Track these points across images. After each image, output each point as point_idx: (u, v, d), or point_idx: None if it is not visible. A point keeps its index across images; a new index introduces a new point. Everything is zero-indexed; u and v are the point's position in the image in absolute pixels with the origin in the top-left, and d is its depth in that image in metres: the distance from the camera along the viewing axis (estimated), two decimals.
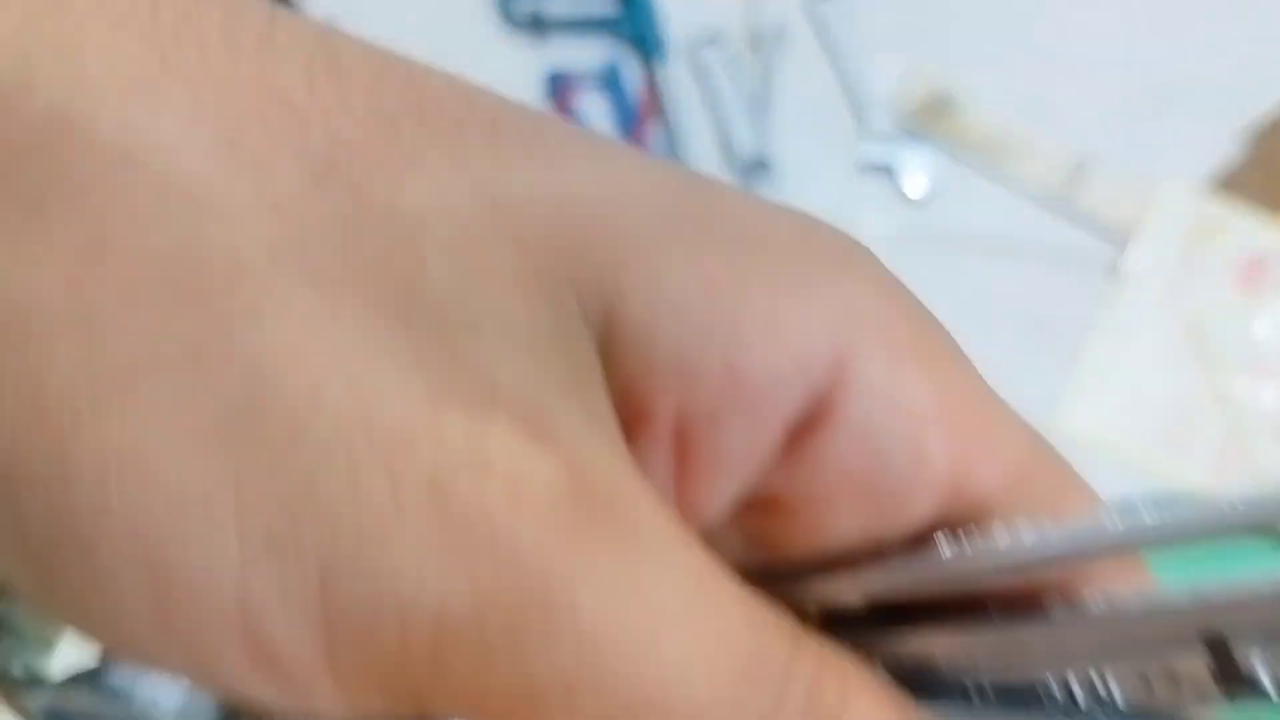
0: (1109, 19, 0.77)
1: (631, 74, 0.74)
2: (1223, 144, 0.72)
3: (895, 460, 0.14)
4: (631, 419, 0.13)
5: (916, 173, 0.71)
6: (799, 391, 0.13)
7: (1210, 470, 0.63)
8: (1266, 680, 0.14)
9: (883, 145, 0.72)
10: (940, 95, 0.74)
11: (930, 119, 0.73)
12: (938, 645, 0.14)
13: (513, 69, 0.74)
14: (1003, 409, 0.15)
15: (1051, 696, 0.14)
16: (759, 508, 0.14)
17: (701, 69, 0.74)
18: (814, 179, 0.71)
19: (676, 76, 0.73)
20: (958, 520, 0.14)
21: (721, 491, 0.14)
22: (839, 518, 0.14)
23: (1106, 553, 0.13)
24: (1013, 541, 0.13)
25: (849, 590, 0.14)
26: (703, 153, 0.71)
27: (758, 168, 0.70)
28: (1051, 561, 0.13)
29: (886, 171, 0.71)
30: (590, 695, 0.11)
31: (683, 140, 0.71)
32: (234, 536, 0.11)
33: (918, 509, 0.14)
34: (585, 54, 0.75)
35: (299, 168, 0.12)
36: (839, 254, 0.14)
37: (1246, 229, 0.69)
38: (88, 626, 0.12)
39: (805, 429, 0.13)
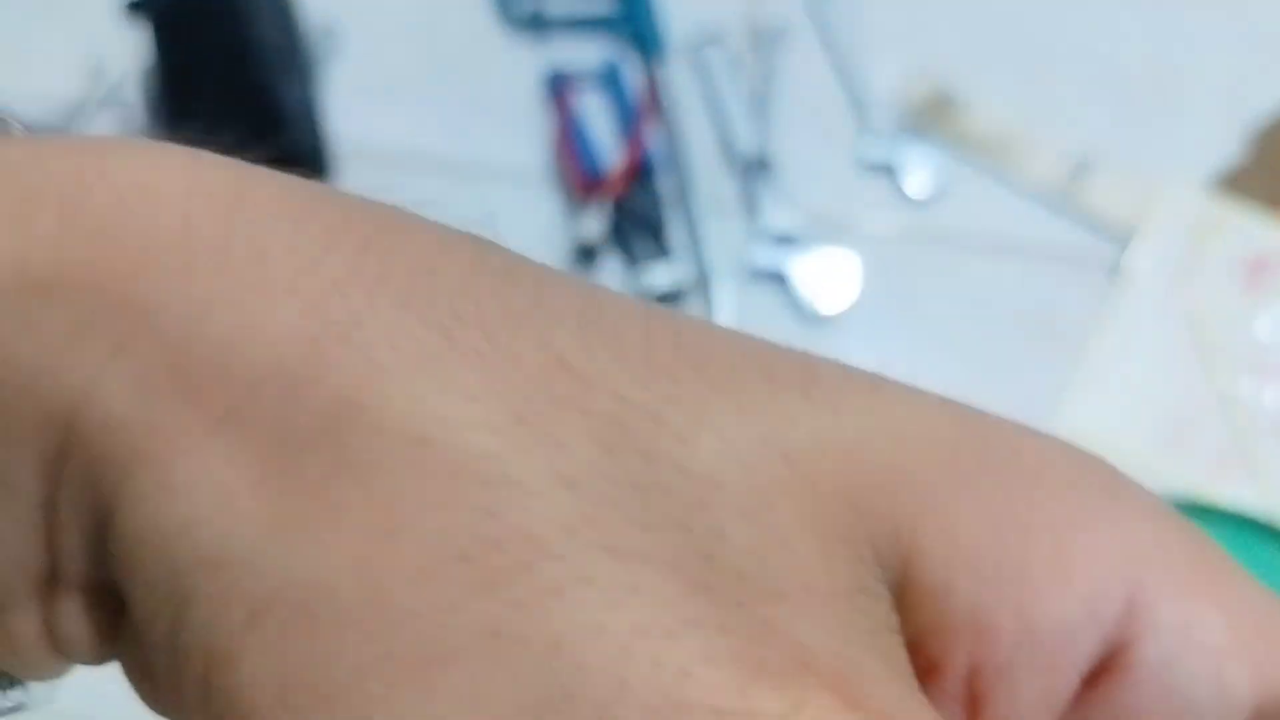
0: (1111, 18, 0.77)
1: (632, 73, 0.74)
2: (1225, 144, 0.72)
3: (1197, 698, 0.13)
4: (922, 671, 0.13)
5: (918, 172, 0.71)
6: (1093, 637, 0.13)
7: (1211, 471, 0.63)
8: None
9: (884, 144, 0.72)
10: (942, 94, 0.74)
11: (932, 118, 0.73)
12: None
13: (512, 68, 0.74)
14: None
15: None
16: None
17: (702, 68, 0.74)
18: (815, 178, 0.71)
19: (677, 76, 0.73)
20: None
21: None
22: None
23: None
24: None
25: None
26: (703, 152, 0.71)
27: (758, 167, 0.70)
28: None
29: (888, 171, 0.71)
30: None
31: (683, 140, 0.71)
32: None
33: None
34: (585, 53, 0.75)
35: (588, 437, 0.12)
36: (1114, 487, 0.14)
37: (1249, 229, 0.69)
38: None
39: (1100, 673, 0.13)
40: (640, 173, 0.69)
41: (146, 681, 0.13)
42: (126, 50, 0.73)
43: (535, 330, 0.13)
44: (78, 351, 0.12)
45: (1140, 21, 0.78)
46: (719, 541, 0.12)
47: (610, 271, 0.68)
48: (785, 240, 0.68)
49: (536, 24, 0.74)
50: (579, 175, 0.68)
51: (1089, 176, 0.71)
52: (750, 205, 0.70)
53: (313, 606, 0.11)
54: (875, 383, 0.14)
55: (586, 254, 0.67)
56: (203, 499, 0.12)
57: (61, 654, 0.14)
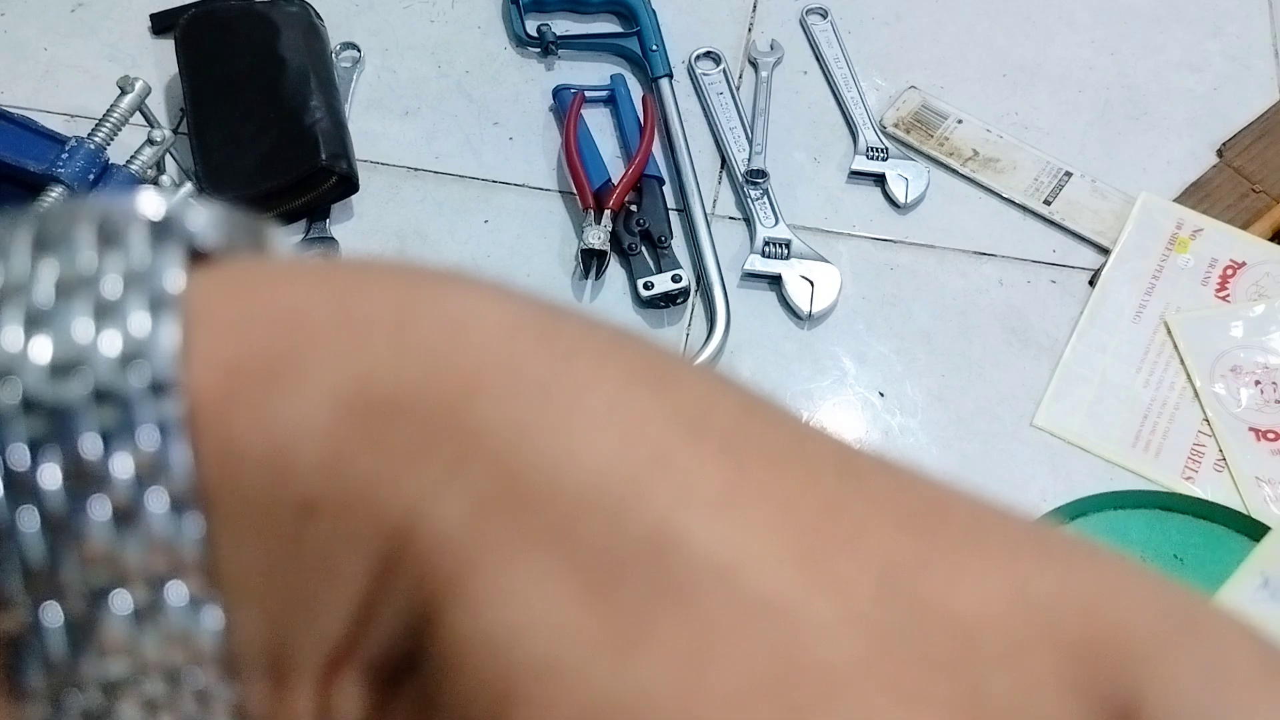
0: (1087, 40, 0.79)
1: (635, 91, 0.76)
2: (1196, 157, 0.74)
3: None
4: None
5: (904, 184, 0.73)
6: None
7: (1185, 469, 0.64)
8: None
9: (873, 158, 0.73)
10: (928, 111, 0.76)
11: (919, 133, 0.75)
12: None
13: (522, 86, 0.76)
14: None
15: None
16: None
17: (701, 85, 0.76)
18: (808, 189, 0.73)
19: (678, 93, 0.75)
20: None
21: None
22: None
23: None
24: None
25: None
26: (703, 165, 0.73)
27: (756, 178, 0.72)
28: None
29: (876, 182, 0.73)
30: None
31: (683, 153, 0.73)
32: None
33: None
34: (590, 71, 0.77)
35: (865, 578, 0.13)
36: None
37: (1220, 238, 0.71)
38: None
39: None
40: (643, 184, 0.71)
41: None
42: (157, 67, 0.75)
43: (804, 475, 0.13)
44: (417, 467, 0.13)
45: (1114, 43, 0.80)
46: (983, 687, 0.12)
47: (615, 277, 0.70)
48: (779, 247, 0.69)
49: (545, 45, 0.76)
50: (585, 187, 0.70)
51: (1067, 189, 0.73)
52: (746, 214, 0.72)
53: (622, 713, 0.12)
54: (1095, 547, 0.14)
55: (592, 260, 0.68)
56: (534, 610, 0.13)
57: None
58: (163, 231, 0.14)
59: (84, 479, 0.13)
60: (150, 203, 0.15)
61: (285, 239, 0.15)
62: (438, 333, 0.14)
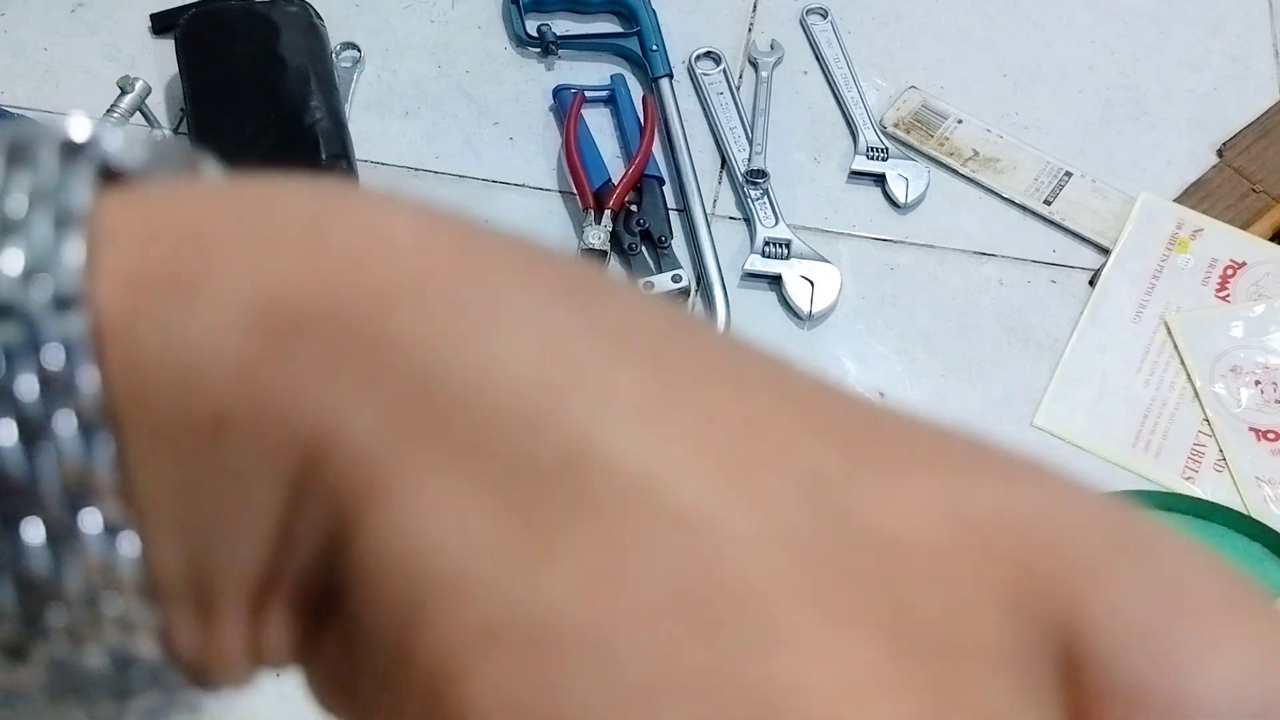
0: (1088, 41, 0.80)
1: (635, 91, 0.76)
2: (1197, 157, 0.74)
3: None
4: None
5: (905, 183, 0.73)
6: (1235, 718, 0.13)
7: (1183, 469, 0.64)
8: None
9: (874, 157, 0.73)
10: (928, 111, 0.76)
11: (919, 133, 0.75)
12: None
13: (523, 86, 0.76)
14: None
15: None
16: None
17: (701, 85, 0.76)
18: (808, 189, 0.73)
19: (678, 93, 0.75)
20: None
21: None
22: None
23: None
24: None
25: None
26: (703, 165, 0.73)
27: (756, 178, 0.72)
28: None
29: (876, 182, 0.73)
30: None
31: (683, 153, 0.73)
32: None
33: None
34: (590, 71, 0.77)
35: (791, 496, 0.12)
36: (1243, 590, 0.14)
37: (1220, 238, 0.71)
38: None
39: None
40: (643, 184, 0.71)
41: (340, 691, 0.14)
42: (157, 67, 0.74)
43: (732, 390, 0.13)
44: (328, 381, 0.13)
45: (1114, 43, 0.80)
46: (910, 604, 0.12)
47: (615, 277, 0.70)
48: (779, 247, 0.69)
49: (545, 45, 0.76)
50: (585, 187, 0.70)
51: (1067, 189, 0.73)
52: (747, 214, 0.72)
53: (545, 637, 0.11)
54: (1038, 467, 0.14)
55: (592, 261, 0.68)
56: (446, 524, 0.12)
57: (259, 661, 0.15)
58: (75, 151, 0.14)
59: None
60: (76, 125, 0.14)
61: (215, 165, 0.15)
62: (349, 245, 0.13)
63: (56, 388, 0.13)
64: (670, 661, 0.11)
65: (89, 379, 0.13)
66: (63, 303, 0.13)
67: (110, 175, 0.14)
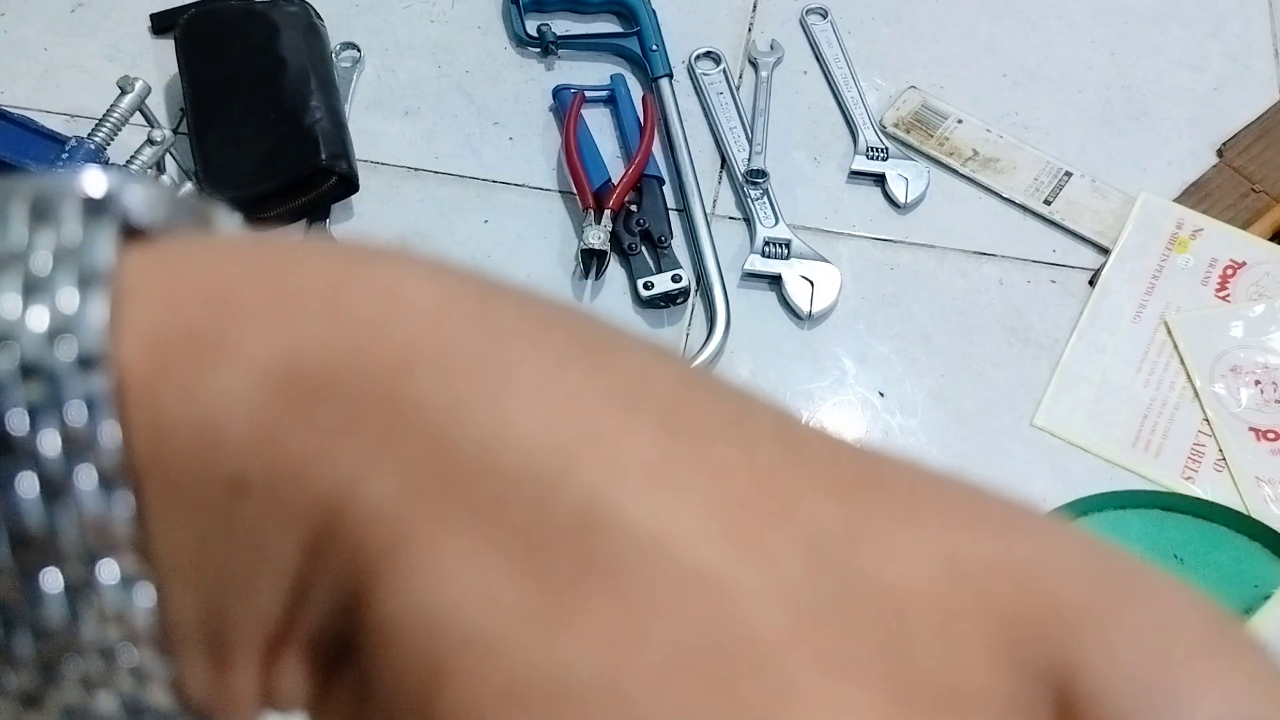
0: (1088, 39, 0.80)
1: (635, 91, 0.76)
2: (1197, 156, 0.75)
3: None
4: None
5: (905, 183, 0.73)
6: None
7: (1183, 469, 0.64)
8: None
9: (874, 157, 0.74)
10: (928, 110, 0.76)
11: (919, 133, 0.75)
12: None
13: (522, 86, 0.76)
14: None
15: None
16: None
17: (701, 85, 0.76)
18: (808, 189, 0.73)
19: (678, 92, 0.75)
20: None
21: None
22: None
23: None
24: None
25: None
26: (703, 165, 0.73)
27: (755, 178, 0.72)
28: None
29: (876, 182, 0.73)
30: None
31: (683, 153, 0.73)
32: None
33: None
34: (590, 71, 0.77)
35: (796, 550, 0.13)
36: (1229, 627, 0.15)
37: (1220, 238, 0.71)
38: None
39: None
40: (643, 184, 0.71)
41: None
42: (157, 67, 0.75)
43: (740, 446, 0.13)
44: (347, 444, 0.13)
45: (1114, 43, 0.80)
46: (913, 655, 0.12)
47: (615, 277, 0.70)
48: (779, 247, 0.70)
49: (545, 45, 0.76)
50: (585, 187, 0.70)
51: (1067, 189, 0.73)
52: (746, 214, 0.72)
53: (565, 696, 0.12)
54: (1033, 515, 0.14)
55: (592, 260, 0.68)
56: (464, 585, 0.13)
57: (270, 705, 0.15)
58: (97, 208, 0.14)
59: (11, 455, 0.13)
60: (91, 180, 0.15)
61: (233, 219, 0.16)
62: (370, 307, 0.14)
63: (78, 444, 0.13)
64: (688, 718, 0.12)
65: (110, 436, 0.13)
66: (87, 362, 0.13)
67: (131, 230, 0.15)
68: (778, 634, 0.12)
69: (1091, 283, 0.70)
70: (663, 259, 0.69)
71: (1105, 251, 0.71)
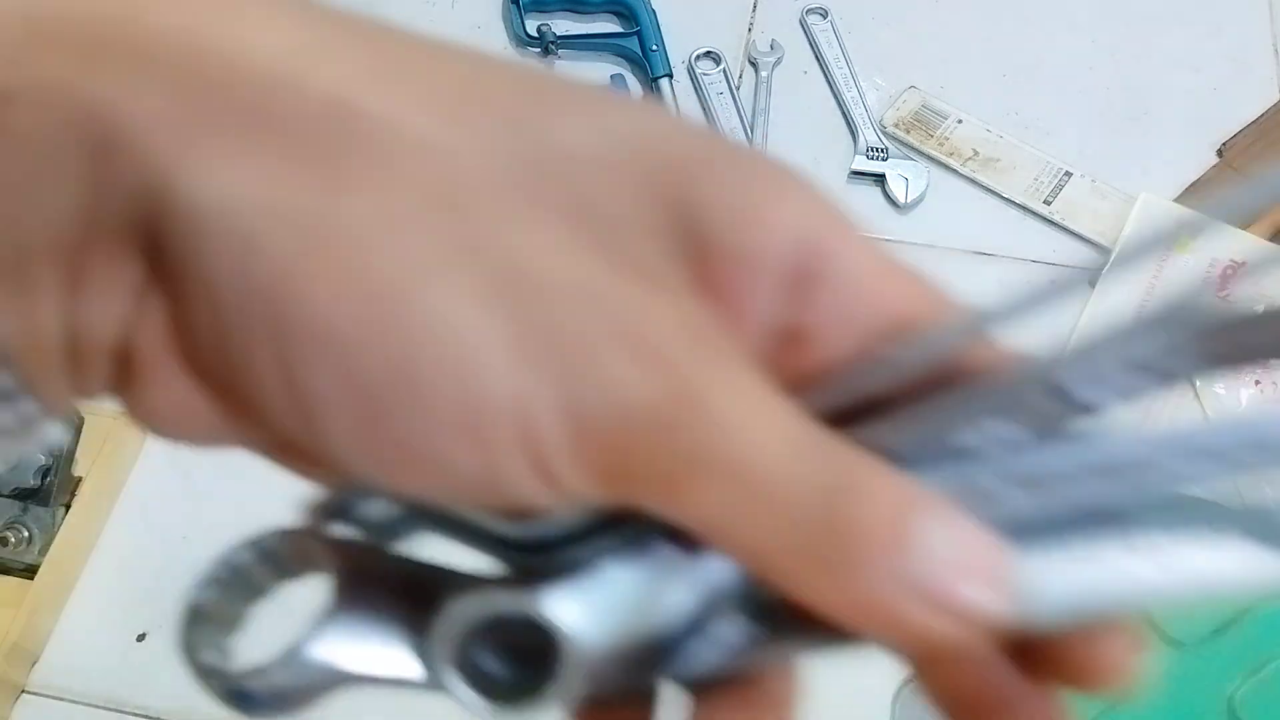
0: (1089, 39, 0.80)
1: (635, 90, 0.76)
2: (1197, 157, 0.75)
3: (853, 304, 0.20)
4: (702, 294, 0.19)
5: (905, 183, 0.73)
6: (788, 261, 0.20)
7: None
8: (1099, 403, 0.19)
9: (874, 157, 0.74)
10: (928, 110, 0.76)
11: (919, 133, 0.75)
12: (893, 429, 0.20)
13: None
14: (900, 260, 0.21)
15: (973, 448, 0.20)
16: (786, 340, 0.20)
17: (700, 85, 0.76)
18: None
19: (678, 92, 0.75)
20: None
21: (751, 331, 0.20)
22: (840, 336, 0.20)
23: (979, 330, 0.20)
24: (933, 339, 0.20)
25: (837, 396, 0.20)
26: None
27: None
28: (948, 346, 0.20)
29: (877, 181, 0.73)
30: (721, 460, 0.17)
31: None
32: (518, 369, 0.16)
33: (874, 326, 0.21)
34: (590, 71, 0.77)
35: (499, 124, 0.17)
36: (795, 177, 0.21)
37: (1221, 238, 0.71)
38: (404, 460, 0.17)
39: (803, 280, 0.20)
40: None
41: (182, 332, 0.17)
42: None
43: (445, 57, 0.18)
44: (103, 67, 0.15)
45: (1115, 43, 0.80)
46: (588, 194, 0.17)
47: None
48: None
49: (546, 45, 0.76)
50: None
51: (1067, 189, 0.73)
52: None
53: (352, 234, 0.16)
54: (660, 109, 0.20)
55: None
56: (251, 170, 0.16)
57: (84, 359, 0.17)
58: None
59: None
60: None
61: None
62: None
63: None
64: (443, 236, 0.16)
65: None
66: None
67: None
68: (493, 177, 0.17)
69: (1091, 283, 0.69)
70: None
71: (1105, 251, 0.71)
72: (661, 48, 0.76)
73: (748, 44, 0.78)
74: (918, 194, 0.72)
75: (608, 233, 0.17)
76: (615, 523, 0.19)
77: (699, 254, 0.19)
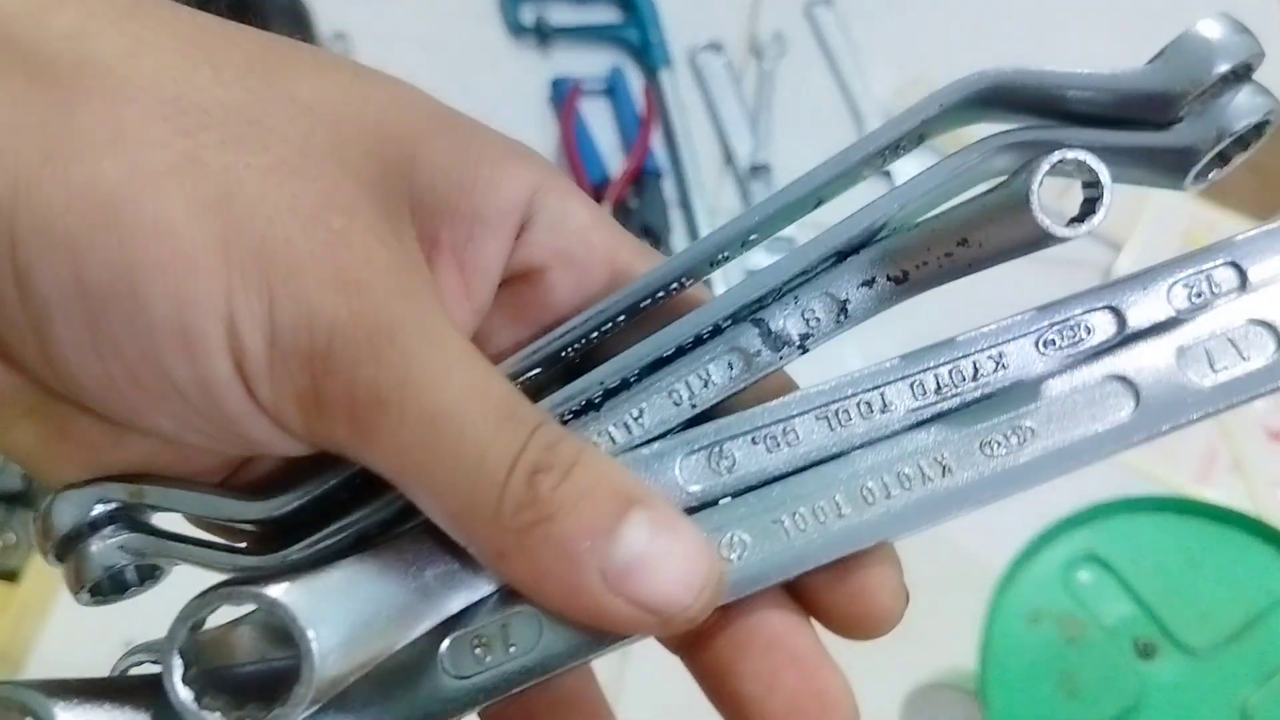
0: (1099, 29, 0.79)
1: (634, 81, 0.75)
2: None
3: (573, 247, 0.23)
4: (430, 247, 0.21)
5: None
6: (516, 215, 0.23)
7: (1200, 472, 0.63)
8: (796, 338, 0.23)
9: None
10: None
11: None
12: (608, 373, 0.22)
13: (519, 76, 0.75)
14: (617, 223, 0.25)
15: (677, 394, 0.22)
16: (515, 281, 0.23)
17: (702, 76, 0.75)
18: None
19: (678, 83, 0.74)
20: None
21: (488, 278, 0.23)
22: (560, 278, 0.23)
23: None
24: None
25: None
26: (705, 157, 0.72)
27: (758, 170, 0.71)
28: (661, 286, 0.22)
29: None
30: (415, 402, 0.18)
31: (684, 145, 0.72)
32: (226, 276, 0.17)
33: (596, 275, 0.24)
34: (589, 62, 0.75)
35: (237, 66, 0.19)
36: (524, 148, 0.23)
37: (1233, 234, 0.70)
38: (129, 375, 0.18)
39: (529, 227, 0.23)
40: (642, 177, 0.70)
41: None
42: None
43: (189, 18, 0.19)
44: None
45: (1125, 33, 0.79)
46: (312, 137, 0.19)
47: None
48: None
49: (542, 34, 0.75)
50: (583, 181, 0.69)
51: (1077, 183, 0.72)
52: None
53: (82, 142, 0.17)
54: (395, 78, 0.22)
55: None
56: (2, 102, 0.17)
57: None
58: None
59: None
60: None
61: None
62: None
63: None
64: (164, 150, 0.18)
65: None
66: None
67: None
68: (224, 107, 0.18)
69: (1107, 280, 0.69)
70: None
71: (1117, 248, 0.70)
72: (661, 38, 0.75)
73: (751, 34, 0.77)
74: None
75: (330, 172, 0.19)
76: (353, 506, 0.20)
77: (429, 213, 0.21)
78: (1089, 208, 0.21)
